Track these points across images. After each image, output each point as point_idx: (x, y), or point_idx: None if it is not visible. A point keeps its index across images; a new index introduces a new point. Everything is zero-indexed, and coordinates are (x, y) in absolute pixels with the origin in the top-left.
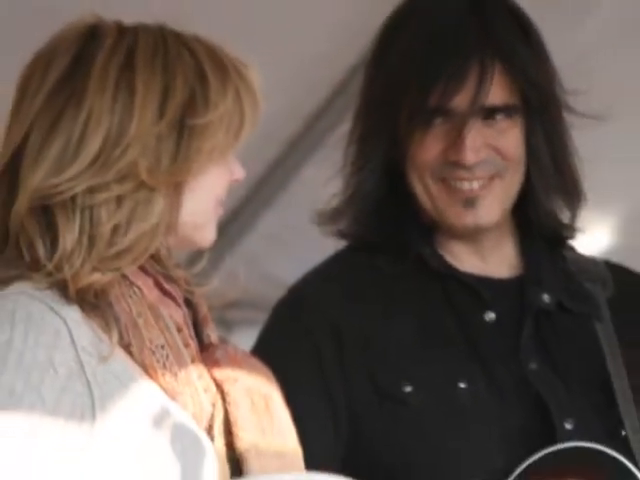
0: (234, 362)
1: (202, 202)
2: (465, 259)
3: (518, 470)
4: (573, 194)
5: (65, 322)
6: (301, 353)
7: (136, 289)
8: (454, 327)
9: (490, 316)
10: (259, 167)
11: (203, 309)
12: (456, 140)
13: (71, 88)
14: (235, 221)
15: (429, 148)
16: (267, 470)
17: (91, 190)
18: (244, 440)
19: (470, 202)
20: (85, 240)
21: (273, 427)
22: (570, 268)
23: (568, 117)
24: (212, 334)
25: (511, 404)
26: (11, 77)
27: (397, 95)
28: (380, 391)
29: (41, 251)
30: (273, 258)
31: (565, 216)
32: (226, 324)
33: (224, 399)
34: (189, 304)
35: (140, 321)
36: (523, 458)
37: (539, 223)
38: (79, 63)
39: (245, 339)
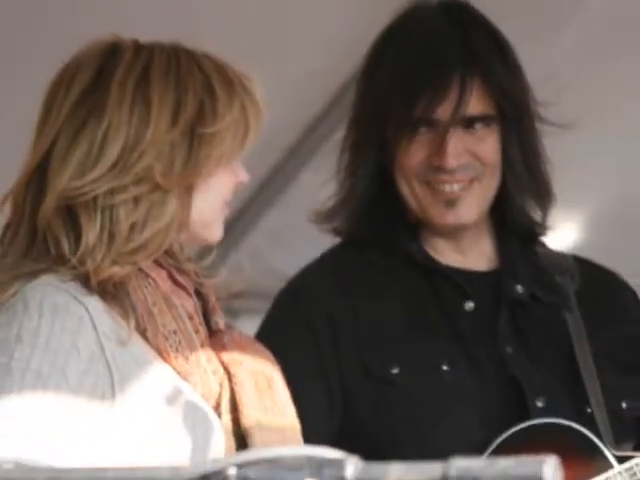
0: (240, 346)
1: (211, 202)
2: (447, 254)
3: (495, 443)
4: (544, 195)
5: (87, 310)
6: (300, 339)
7: (151, 281)
8: (437, 315)
9: (470, 305)
10: (262, 171)
11: (212, 299)
12: (439, 147)
13: (93, 100)
14: (240, 220)
15: (415, 154)
16: (269, 444)
17: (111, 191)
18: (248, 417)
19: (451, 203)
20: (105, 237)
21: (274, 405)
22: (542, 262)
23: (540, 126)
24: (220, 321)
25: (489, 384)
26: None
27: (385, 107)
28: (370, 373)
29: (66, 247)
30: (274, 253)
31: (537, 215)
32: (232, 312)
33: (230, 380)
34: (199, 294)
35: (155, 309)
36: (500, 433)
37: (513, 222)
38: (100, 77)
39: (249, 326)
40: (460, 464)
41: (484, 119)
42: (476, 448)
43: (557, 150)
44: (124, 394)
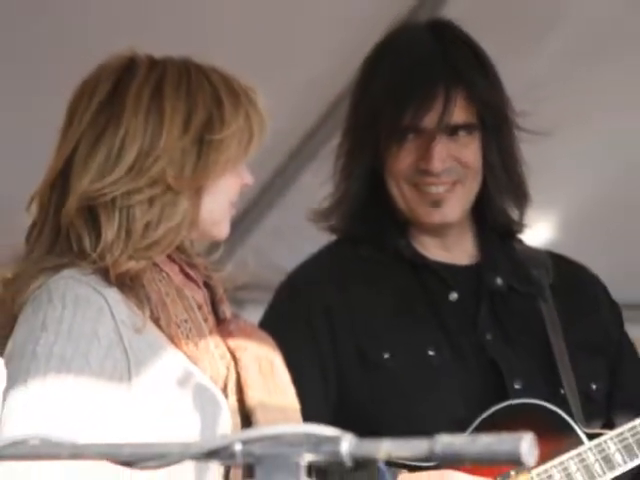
0: (244, 334)
1: (218, 203)
2: (433, 250)
3: (477, 421)
4: (521, 197)
5: (106, 301)
6: (298, 327)
7: (164, 274)
8: (424, 305)
9: (453, 296)
10: (265, 174)
11: (219, 290)
12: (426, 152)
13: (111, 110)
14: (245, 219)
15: (403, 159)
16: (271, 422)
17: (128, 193)
18: (253, 398)
19: (437, 203)
20: (123, 234)
21: (276, 387)
22: (519, 257)
23: (517, 134)
24: (227, 311)
25: (471, 368)
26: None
27: (377, 116)
28: (364, 357)
29: (87, 243)
30: (276, 250)
31: (514, 214)
32: (238, 303)
33: (236, 364)
34: (208, 286)
35: (168, 300)
36: (481, 412)
37: (493, 220)
38: (118, 90)
39: (253, 315)
40: (445, 440)
41: (466, 127)
42: (459, 426)
43: (533, 155)
44: (140, 377)
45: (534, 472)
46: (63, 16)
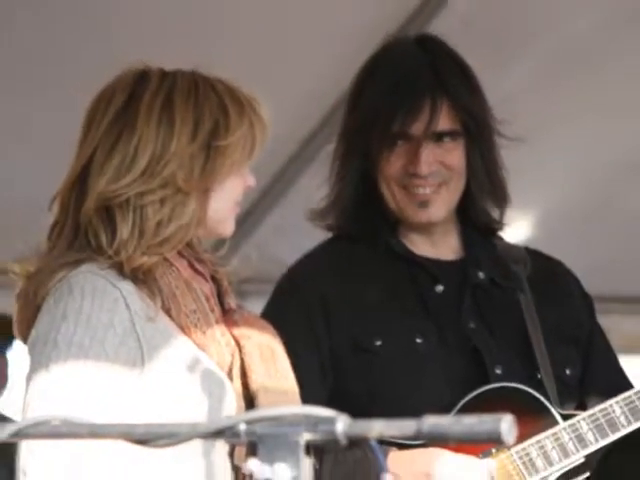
0: (248, 323)
1: (224, 203)
2: (420, 246)
3: (460, 404)
4: (501, 198)
5: (121, 293)
6: (297, 317)
7: (174, 268)
8: (413, 297)
9: (439, 288)
10: (266, 177)
11: (225, 283)
12: (414, 157)
13: (126, 119)
14: (248, 218)
15: (393, 163)
16: (272, 404)
17: (141, 194)
18: (255, 381)
19: (424, 204)
20: (137, 232)
21: (277, 372)
22: (499, 253)
23: (498, 140)
24: (231, 302)
25: (455, 354)
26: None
27: (369, 124)
28: (357, 344)
29: (104, 240)
30: (277, 245)
31: (495, 214)
32: (242, 294)
33: (240, 351)
34: (214, 279)
35: (177, 292)
36: (464, 395)
37: (476, 219)
38: (132, 100)
39: (256, 306)
40: (431, 421)
41: (451, 134)
42: (444, 408)
43: (512, 160)
44: (152, 362)
45: (513, 450)
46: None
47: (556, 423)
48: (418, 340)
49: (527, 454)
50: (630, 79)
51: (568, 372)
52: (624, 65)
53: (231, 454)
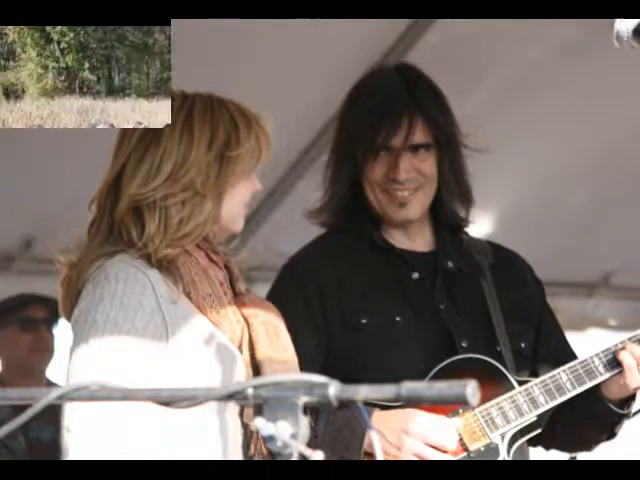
0: (255, 304)
1: (235, 204)
2: (399, 240)
3: (433, 372)
4: (467, 199)
5: (149, 279)
6: (297, 299)
7: (193, 258)
8: (393, 282)
9: (415, 275)
10: (270, 182)
11: (236, 271)
12: (394, 165)
13: (153, 133)
14: (255, 216)
15: (377, 170)
16: (275, 372)
17: (165, 196)
18: (261, 353)
19: (403, 204)
20: (162, 228)
21: (280, 345)
22: (465, 245)
23: (464, 151)
24: (241, 287)
25: (428, 330)
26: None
27: (356, 138)
28: (346, 322)
29: (134, 235)
30: (279, 239)
31: (462, 213)
32: (249, 280)
33: (249, 327)
34: (227, 268)
35: (196, 278)
36: (436, 364)
37: (445, 217)
38: None
39: (262, 290)
40: (408, 386)
41: (425, 146)
42: (420, 375)
43: (476, 167)
44: (175, 337)
45: (477, 410)
46: None
47: (513, 388)
48: (397, 319)
49: (488, 414)
50: (569, 104)
51: (523, 345)
52: (563, 93)
53: (241, 414)
